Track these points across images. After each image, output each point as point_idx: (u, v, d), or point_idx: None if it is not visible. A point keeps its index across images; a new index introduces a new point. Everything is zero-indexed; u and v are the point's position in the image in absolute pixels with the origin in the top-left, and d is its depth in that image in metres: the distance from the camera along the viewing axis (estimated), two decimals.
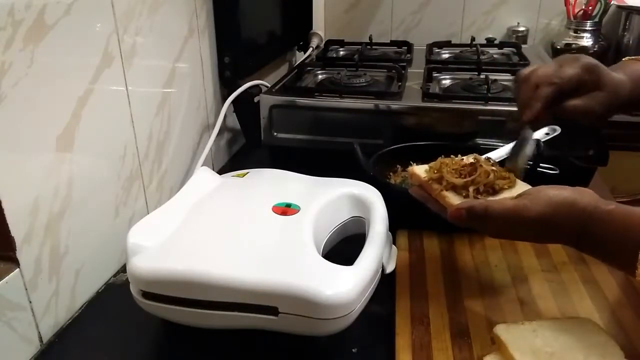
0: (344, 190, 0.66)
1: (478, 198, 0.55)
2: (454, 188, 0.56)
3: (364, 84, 1.01)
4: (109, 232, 0.68)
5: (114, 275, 0.70)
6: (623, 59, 0.66)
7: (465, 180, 0.56)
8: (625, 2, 1.50)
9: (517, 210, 0.50)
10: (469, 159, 0.60)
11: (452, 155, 0.62)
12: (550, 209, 0.49)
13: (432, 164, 0.60)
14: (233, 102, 0.99)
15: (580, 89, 0.58)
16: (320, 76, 1.12)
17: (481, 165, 0.57)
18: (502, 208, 0.51)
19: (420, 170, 0.60)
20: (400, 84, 0.99)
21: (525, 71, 0.60)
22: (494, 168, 0.58)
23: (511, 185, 0.57)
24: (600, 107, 0.59)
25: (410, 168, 0.62)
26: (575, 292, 0.61)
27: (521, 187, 0.56)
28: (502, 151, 0.79)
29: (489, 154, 0.68)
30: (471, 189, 0.56)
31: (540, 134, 0.80)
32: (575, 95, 0.59)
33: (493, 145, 0.81)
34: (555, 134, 0.79)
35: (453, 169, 0.58)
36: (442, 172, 0.58)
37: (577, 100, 0.59)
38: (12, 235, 0.53)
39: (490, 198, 0.55)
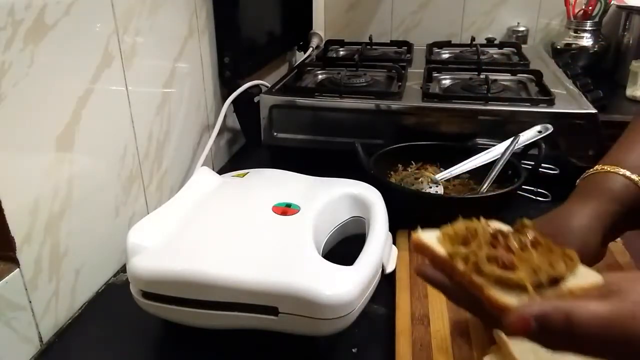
0: (344, 190, 0.66)
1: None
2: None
3: (364, 84, 1.01)
4: (109, 232, 0.68)
5: (114, 275, 0.70)
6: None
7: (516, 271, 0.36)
8: (625, 2, 1.50)
9: (619, 320, 0.32)
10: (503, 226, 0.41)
11: (474, 218, 0.42)
12: None
13: (449, 229, 0.41)
14: (233, 102, 0.99)
15: None
16: (320, 76, 1.12)
17: (540, 245, 0.38)
18: (593, 316, 0.33)
19: (430, 238, 0.40)
20: (400, 84, 0.99)
21: None
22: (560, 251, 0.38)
23: (572, 270, 0.37)
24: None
25: (414, 235, 0.42)
26: None
27: (583, 270, 0.38)
28: (495, 151, 0.79)
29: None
30: (529, 279, 0.36)
31: (533, 132, 0.80)
32: None
33: (493, 145, 0.81)
34: (548, 132, 0.79)
35: (485, 242, 0.38)
36: (473, 247, 0.38)
37: None
38: (12, 235, 0.52)
39: (550, 291, 0.36)
